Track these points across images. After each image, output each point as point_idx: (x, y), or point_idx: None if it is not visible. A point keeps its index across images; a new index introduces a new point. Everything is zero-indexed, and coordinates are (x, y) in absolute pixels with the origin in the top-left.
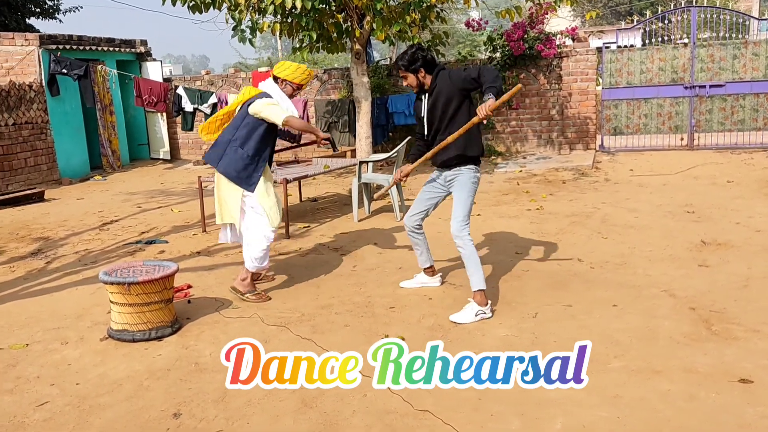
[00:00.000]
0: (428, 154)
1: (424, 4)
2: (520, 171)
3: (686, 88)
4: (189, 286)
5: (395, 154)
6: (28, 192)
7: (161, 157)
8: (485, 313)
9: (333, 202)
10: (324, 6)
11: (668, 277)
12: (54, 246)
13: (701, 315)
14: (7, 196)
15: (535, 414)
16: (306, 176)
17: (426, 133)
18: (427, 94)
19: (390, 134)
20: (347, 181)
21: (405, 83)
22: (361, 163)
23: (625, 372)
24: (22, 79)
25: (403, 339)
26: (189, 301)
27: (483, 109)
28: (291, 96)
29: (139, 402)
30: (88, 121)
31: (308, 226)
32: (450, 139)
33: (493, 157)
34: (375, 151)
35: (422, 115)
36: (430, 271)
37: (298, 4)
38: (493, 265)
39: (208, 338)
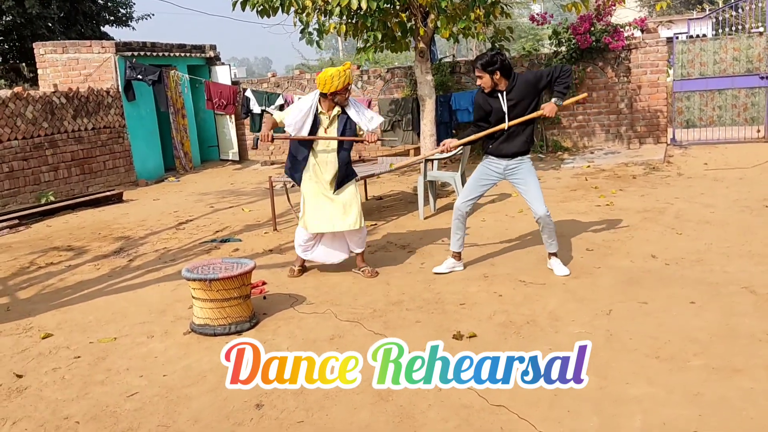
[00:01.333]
0: (475, 136)
1: (488, 0)
2: (588, 166)
3: (762, 78)
4: (264, 283)
5: (460, 151)
6: (108, 193)
7: (230, 158)
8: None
9: (398, 201)
10: (388, 6)
11: (747, 274)
12: (134, 245)
13: None
14: (88, 198)
15: (613, 411)
16: (372, 175)
17: (506, 127)
18: (504, 93)
19: (453, 131)
20: (412, 180)
21: (479, 82)
22: (426, 161)
23: (706, 370)
24: (100, 85)
25: (474, 335)
26: (264, 297)
27: (548, 109)
28: (346, 100)
29: (223, 393)
30: (162, 125)
31: (375, 224)
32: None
33: (559, 153)
34: None
35: (503, 111)
36: (458, 256)
37: (363, 5)
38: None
39: (284, 333)
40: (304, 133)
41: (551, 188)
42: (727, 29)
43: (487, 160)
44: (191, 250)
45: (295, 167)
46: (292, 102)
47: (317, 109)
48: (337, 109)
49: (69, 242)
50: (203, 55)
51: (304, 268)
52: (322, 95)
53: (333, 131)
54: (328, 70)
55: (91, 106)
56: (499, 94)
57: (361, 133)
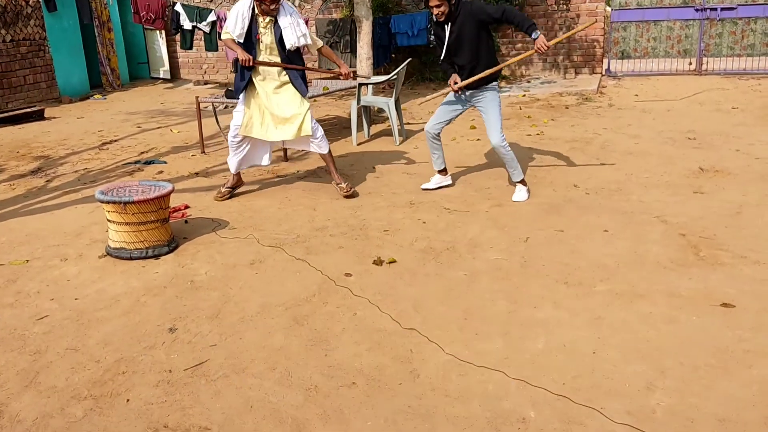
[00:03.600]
0: (474, 78)
1: None
2: (524, 95)
3: (697, 10)
4: (186, 207)
5: (395, 77)
6: (28, 110)
7: (161, 76)
8: (529, 191)
9: (333, 125)
10: None
11: (662, 204)
12: (54, 165)
13: (690, 241)
14: (6, 114)
15: (518, 334)
16: (369, 82)
17: (450, 58)
18: (450, 23)
19: (393, 56)
20: (347, 104)
21: (436, 11)
22: (360, 85)
23: (610, 295)
24: None
25: (394, 261)
26: (186, 221)
27: (543, 44)
28: (272, 10)
29: (136, 317)
30: (87, 39)
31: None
32: (495, 69)
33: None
34: (377, 73)
35: (450, 41)
36: (444, 172)
37: None
38: (489, 190)
39: (203, 257)
40: (242, 34)
41: None
42: None
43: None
44: (113, 172)
45: (242, 74)
46: (225, 19)
47: (254, 11)
48: (269, 18)
49: None
50: None
51: (232, 192)
52: (271, 1)
53: (267, 38)
54: None
55: (8, 16)
56: (446, 25)
57: (338, 71)
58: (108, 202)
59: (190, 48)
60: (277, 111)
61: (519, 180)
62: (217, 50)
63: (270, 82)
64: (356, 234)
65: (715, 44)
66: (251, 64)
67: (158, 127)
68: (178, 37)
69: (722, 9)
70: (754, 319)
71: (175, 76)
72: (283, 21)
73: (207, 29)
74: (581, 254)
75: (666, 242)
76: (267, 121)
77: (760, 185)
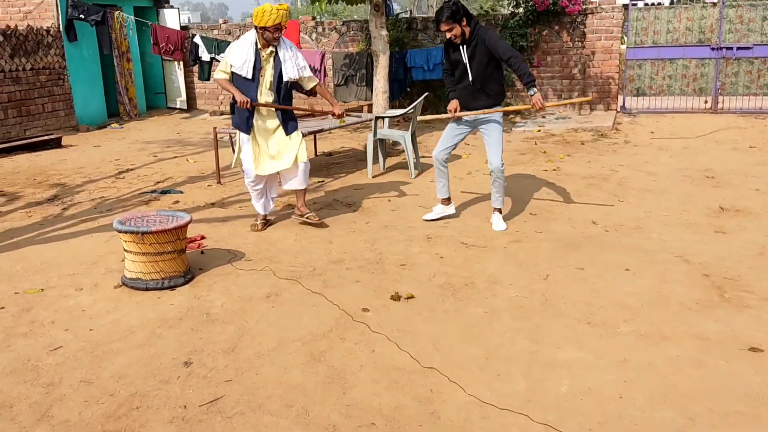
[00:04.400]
0: (474, 113)
1: None
2: (539, 131)
3: (713, 49)
4: (202, 237)
5: (412, 110)
6: (46, 138)
7: (178, 106)
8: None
9: (348, 158)
10: None
11: (683, 243)
12: (70, 192)
13: (714, 282)
14: (24, 141)
15: (541, 375)
16: (321, 130)
17: (471, 78)
18: (465, 45)
19: (408, 89)
20: (363, 137)
21: (450, 34)
22: (377, 118)
23: (634, 336)
24: (40, 24)
25: (412, 296)
26: (202, 252)
27: (539, 102)
28: (274, 39)
29: (151, 349)
30: (106, 69)
31: (322, 181)
32: (491, 111)
33: (511, 116)
34: (392, 106)
35: (464, 62)
36: (447, 201)
37: None
38: (506, 226)
39: (219, 289)
40: (248, 68)
41: None
42: None
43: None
44: (129, 201)
45: (241, 114)
46: None
47: (257, 45)
48: (270, 49)
49: (2, 187)
50: None
51: (267, 221)
52: (257, 30)
53: (269, 70)
54: (264, 6)
55: (29, 45)
56: (461, 46)
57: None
58: (126, 232)
59: (208, 79)
60: (278, 147)
61: (499, 207)
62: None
63: (271, 120)
64: (373, 268)
65: (731, 83)
66: (250, 106)
67: (174, 157)
68: (195, 68)
69: (738, 48)
70: None
71: (191, 106)
72: (283, 54)
73: None
74: (603, 293)
75: (689, 282)
76: (272, 154)
77: None
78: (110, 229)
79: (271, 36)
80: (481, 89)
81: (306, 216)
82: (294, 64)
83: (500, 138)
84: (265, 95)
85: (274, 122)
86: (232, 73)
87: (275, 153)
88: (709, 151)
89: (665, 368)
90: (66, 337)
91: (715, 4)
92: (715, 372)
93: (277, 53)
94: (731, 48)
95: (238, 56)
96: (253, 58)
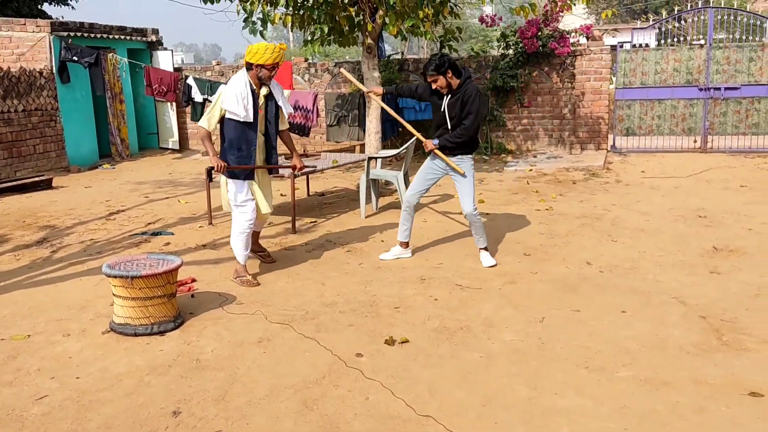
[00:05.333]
0: (448, 159)
1: (437, 0)
2: (531, 170)
3: (701, 89)
4: (193, 280)
5: (404, 150)
6: (36, 179)
7: (170, 146)
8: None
9: (341, 198)
10: None
11: (679, 284)
12: (60, 235)
13: (712, 324)
14: (15, 183)
15: (540, 423)
16: (314, 171)
17: (449, 125)
18: (449, 95)
19: (400, 130)
20: (356, 176)
21: (435, 86)
22: (369, 158)
23: (634, 382)
24: (33, 66)
25: (407, 341)
26: (192, 296)
27: (429, 145)
28: (269, 78)
29: (139, 398)
30: (98, 110)
31: (315, 221)
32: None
33: (503, 156)
34: (384, 147)
35: (443, 109)
36: (406, 245)
37: None
38: (501, 266)
39: (210, 334)
40: (249, 112)
41: (493, 191)
42: (670, 40)
43: (432, 155)
44: (119, 243)
45: (242, 157)
46: None
47: (251, 86)
48: (265, 89)
49: None
50: (144, 39)
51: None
52: (248, 69)
53: (262, 111)
54: (261, 44)
55: (22, 86)
56: (445, 96)
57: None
58: (115, 277)
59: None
60: (263, 186)
61: (483, 246)
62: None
63: (260, 162)
64: (367, 311)
65: (720, 123)
66: (224, 171)
67: (166, 198)
68: (188, 109)
69: (726, 89)
70: None
71: (183, 146)
72: (276, 92)
73: None
74: (600, 336)
75: (687, 325)
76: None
77: None
78: (99, 272)
79: (267, 75)
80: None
81: (258, 253)
82: (285, 103)
83: (472, 183)
84: (260, 139)
85: (261, 156)
86: (225, 120)
87: (263, 194)
88: (701, 191)
89: (666, 415)
90: (52, 385)
91: (702, 46)
92: (717, 418)
93: (272, 93)
94: (719, 88)
95: (236, 100)
96: (252, 101)
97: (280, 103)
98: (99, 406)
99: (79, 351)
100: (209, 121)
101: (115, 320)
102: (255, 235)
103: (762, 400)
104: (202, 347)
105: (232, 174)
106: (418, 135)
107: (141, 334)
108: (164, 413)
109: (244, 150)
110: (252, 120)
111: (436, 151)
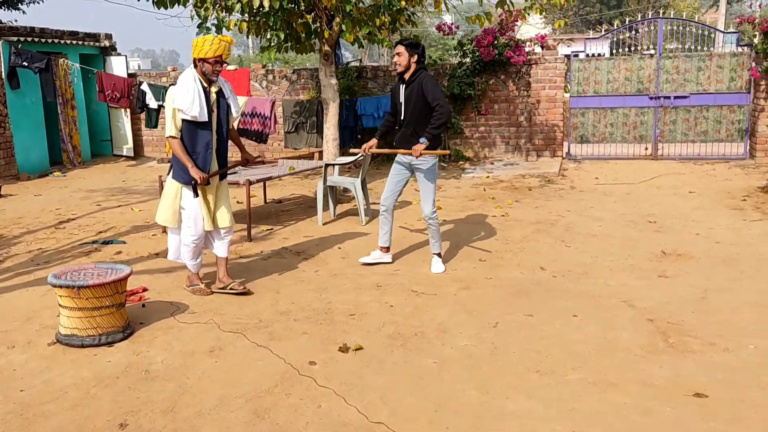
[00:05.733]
0: (397, 151)
1: (394, 7)
2: (487, 177)
3: (651, 98)
4: (144, 289)
5: (362, 157)
6: None
7: (124, 153)
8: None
9: (298, 205)
10: (293, 6)
11: (628, 288)
12: (7, 244)
13: (659, 327)
14: None
15: (491, 427)
16: (270, 177)
17: (402, 117)
18: (405, 85)
19: (359, 136)
20: (313, 183)
21: (396, 59)
22: (327, 165)
23: (583, 384)
24: None
25: (361, 348)
26: (143, 305)
27: (417, 150)
28: (214, 73)
29: (85, 411)
30: (49, 116)
31: (271, 229)
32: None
33: (461, 163)
34: (343, 154)
35: (400, 101)
36: (386, 249)
37: (266, 3)
38: (456, 272)
39: (160, 344)
40: (204, 113)
41: (451, 197)
42: (622, 50)
43: (397, 156)
44: (69, 252)
45: (197, 161)
46: None
47: (201, 83)
48: (216, 87)
49: None
50: (97, 44)
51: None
52: (195, 66)
53: (215, 110)
54: (203, 37)
55: None
56: (402, 85)
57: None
58: (61, 287)
59: (155, 126)
60: (215, 195)
61: (437, 252)
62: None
63: (213, 167)
64: (321, 318)
65: (670, 130)
66: (204, 181)
67: (119, 206)
68: (143, 115)
69: (675, 97)
70: (728, 410)
71: (138, 153)
72: (226, 90)
73: None
74: (552, 340)
75: (635, 328)
76: (212, 206)
77: (722, 269)
78: (47, 282)
79: (210, 69)
80: (413, 133)
81: (229, 286)
82: (234, 102)
83: (433, 186)
84: (213, 140)
85: (214, 169)
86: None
87: (214, 203)
88: (651, 197)
89: (613, 417)
90: None
91: (652, 56)
92: (662, 419)
93: (221, 91)
94: (669, 97)
95: (186, 98)
96: (204, 98)
97: (230, 101)
98: (43, 420)
99: (24, 363)
100: (173, 127)
101: (62, 331)
102: (221, 263)
103: (706, 401)
104: (152, 358)
105: (185, 179)
106: (404, 152)
107: (88, 345)
108: (111, 426)
109: (200, 153)
110: (206, 119)
111: (424, 152)
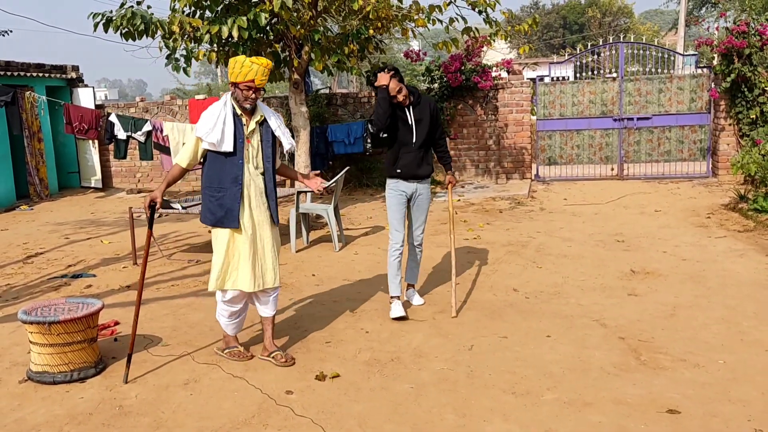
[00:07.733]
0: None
1: (362, 36)
2: (458, 200)
3: (615, 120)
4: (116, 323)
5: (334, 184)
6: None
7: (92, 185)
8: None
9: None
10: (261, 36)
11: (599, 307)
12: None
13: (630, 344)
14: None
15: None
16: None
17: (415, 141)
18: (412, 107)
19: (330, 163)
20: (286, 211)
21: (400, 96)
22: (299, 192)
23: (558, 404)
24: None
25: (338, 375)
26: (116, 339)
27: (449, 180)
28: (247, 100)
29: None
30: (15, 149)
31: None
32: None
33: (432, 187)
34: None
35: (410, 123)
36: (410, 286)
37: (235, 34)
38: (431, 296)
39: (134, 378)
40: (228, 142)
41: None
42: (586, 73)
43: (395, 184)
44: (38, 287)
45: (224, 199)
46: (162, 129)
47: (235, 111)
48: (259, 115)
49: None
50: (64, 76)
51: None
52: (250, 89)
53: (255, 141)
54: (236, 59)
55: None
56: (406, 109)
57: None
58: (31, 323)
59: (124, 157)
60: (263, 247)
61: (413, 283)
62: (152, 159)
63: (258, 210)
64: (297, 347)
65: (634, 151)
66: (159, 207)
67: (88, 238)
68: (111, 146)
69: (638, 119)
70: (700, 426)
71: (107, 185)
72: (272, 121)
73: (142, 139)
74: (526, 361)
75: (607, 346)
76: (253, 264)
77: (689, 286)
78: (16, 319)
79: (241, 95)
80: (423, 156)
81: (272, 355)
82: (285, 134)
83: (427, 212)
84: (254, 176)
85: (262, 214)
86: (207, 153)
87: (260, 256)
88: (619, 216)
89: None
90: None
91: (614, 79)
92: None
93: (266, 120)
94: (632, 119)
95: (207, 124)
96: (233, 126)
97: (277, 133)
98: None
99: None
100: (185, 155)
101: (33, 368)
102: (266, 325)
103: (679, 417)
104: (126, 393)
105: (215, 220)
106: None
107: (60, 381)
108: None
109: (227, 188)
110: (231, 149)
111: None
